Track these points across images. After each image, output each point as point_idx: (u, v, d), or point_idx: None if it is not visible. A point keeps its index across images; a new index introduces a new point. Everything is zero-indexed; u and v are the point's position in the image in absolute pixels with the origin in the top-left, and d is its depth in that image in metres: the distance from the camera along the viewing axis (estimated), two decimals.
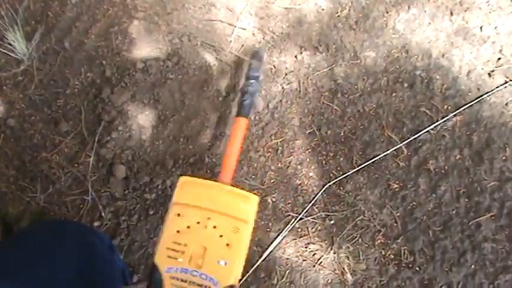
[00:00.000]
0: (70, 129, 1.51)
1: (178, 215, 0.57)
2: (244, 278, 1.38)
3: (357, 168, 1.46)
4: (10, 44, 1.53)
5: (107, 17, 1.60)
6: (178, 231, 0.56)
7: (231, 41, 1.57)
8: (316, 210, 1.44)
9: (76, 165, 1.48)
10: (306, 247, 1.41)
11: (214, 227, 0.57)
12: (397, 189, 1.44)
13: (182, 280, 0.52)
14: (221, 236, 0.56)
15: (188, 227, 0.56)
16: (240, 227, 0.57)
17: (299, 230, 1.43)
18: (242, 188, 0.71)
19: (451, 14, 1.58)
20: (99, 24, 1.60)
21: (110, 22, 1.60)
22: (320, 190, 1.45)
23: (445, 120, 1.48)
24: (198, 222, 0.57)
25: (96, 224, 1.43)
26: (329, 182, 1.45)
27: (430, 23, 1.58)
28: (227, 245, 0.55)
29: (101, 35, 1.59)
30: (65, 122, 1.51)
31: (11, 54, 1.55)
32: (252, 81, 1.30)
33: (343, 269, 1.39)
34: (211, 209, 0.59)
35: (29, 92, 1.54)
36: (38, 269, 0.81)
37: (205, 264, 0.53)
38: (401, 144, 1.46)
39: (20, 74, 1.56)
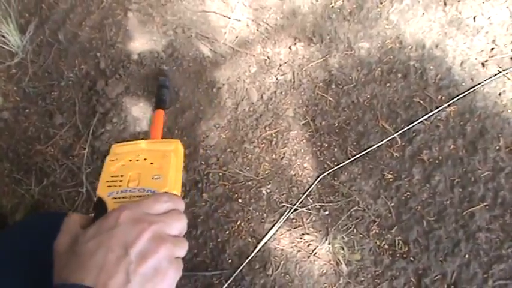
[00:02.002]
0: (64, 121, 1.51)
1: (112, 160, 0.64)
2: (239, 269, 1.38)
3: (352, 159, 1.46)
4: (4, 37, 1.53)
5: (100, 9, 1.60)
6: (114, 170, 0.62)
7: (225, 33, 1.57)
8: (311, 201, 1.44)
9: (71, 157, 1.48)
10: (300, 238, 1.41)
11: (145, 159, 0.63)
12: (391, 180, 1.45)
13: (124, 197, 0.58)
14: (152, 163, 0.62)
15: (122, 165, 0.63)
16: (168, 154, 0.64)
17: (294, 220, 1.43)
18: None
19: (445, 4, 1.58)
20: (93, 16, 1.60)
21: (104, 14, 1.59)
22: (314, 181, 1.45)
23: (439, 111, 1.48)
24: (131, 160, 0.63)
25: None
26: (323, 172, 1.45)
27: (423, 14, 1.58)
28: (158, 167, 0.61)
29: (95, 27, 1.59)
30: (59, 114, 1.51)
31: (5, 47, 1.55)
32: (164, 88, 1.46)
33: (338, 259, 1.39)
34: (140, 149, 0.66)
35: (23, 84, 1.54)
36: (34, 260, 0.81)
37: (142, 182, 0.59)
38: (395, 135, 1.47)
39: (14, 67, 1.55)
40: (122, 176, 0.60)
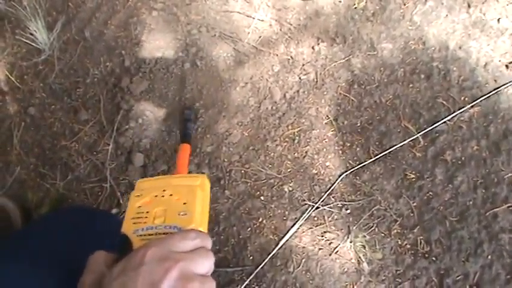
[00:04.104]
0: (89, 117, 1.53)
1: (138, 196, 0.62)
2: (261, 266, 1.39)
3: (374, 158, 1.46)
4: (32, 34, 1.56)
5: (126, 8, 1.62)
6: (139, 206, 0.60)
7: (248, 32, 1.59)
8: (333, 199, 1.44)
9: (95, 153, 1.50)
10: (322, 236, 1.42)
11: (171, 194, 0.61)
12: (413, 180, 1.45)
13: (149, 235, 0.56)
14: (178, 199, 0.60)
15: (148, 201, 0.61)
16: (194, 189, 0.62)
17: (315, 218, 1.43)
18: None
19: (469, 6, 1.59)
20: (119, 15, 1.62)
21: (129, 13, 1.62)
22: (337, 179, 1.45)
23: (462, 111, 1.48)
24: (156, 196, 0.62)
25: (114, 211, 1.45)
26: (346, 171, 1.46)
27: (447, 15, 1.58)
28: (184, 203, 0.60)
29: (120, 25, 1.61)
30: (85, 110, 1.53)
31: (33, 44, 1.58)
32: (189, 122, 1.49)
33: (359, 258, 1.40)
34: (166, 185, 0.64)
35: (49, 81, 1.57)
36: (59, 252, 0.83)
37: (168, 219, 0.57)
38: (418, 135, 1.47)
39: (41, 63, 1.58)
40: (147, 212, 0.59)
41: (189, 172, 1.44)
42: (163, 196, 0.61)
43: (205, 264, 0.52)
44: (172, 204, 0.60)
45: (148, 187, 0.64)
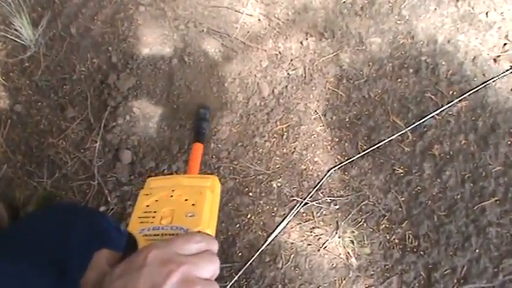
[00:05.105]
0: (76, 115, 1.52)
1: (147, 194, 0.61)
2: (250, 262, 1.39)
3: (362, 153, 1.46)
4: (17, 30, 1.54)
5: (113, 4, 1.60)
6: (147, 205, 0.59)
7: (237, 28, 1.57)
8: (321, 195, 1.44)
9: (82, 150, 1.49)
10: (310, 231, 1.42)
11: (180, 195, 0.60)
12: (402, 174, 1.45)
13: (155, 235, 0.54)
14: (186, 200, 0.59)
15: (156, 200, 0.60)
16: (204, 191, 0.61)
17: (304, 214, 1.43)
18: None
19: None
20: (105, 11, 1.60)
21: (116, 8, 1.60)
22: (325, 175, 1.45)
23: (450, 106, 1.48)
24: (165, 195, 0.61)
25: (102, 208, 1.44)
26: (334, 167, 1.46)
27: (435, 9, 1.58)
28: (193, 204, 0.58)
29: (107, 21, 1.60)
30: (71, 107, 1.52)
31: (18, 41, 1.56)
32: (204, 121, 1.48)
33: (348, 253, 1.40)
34: (175, 184, 0.63)
35: (35, 78, 1.55)
36: (50, 251, 0.82)
37: (175, 220, 0.56)
38: (406, 130, 1.47)
39: (27, 60, 1.57)
40: (155, 212, 0.58)
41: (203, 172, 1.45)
42: (172, 196, 0.60)
43: (209, 268, 0.51)
44: (181, 204, 0.59)
45: (157, 186, 0.63)
